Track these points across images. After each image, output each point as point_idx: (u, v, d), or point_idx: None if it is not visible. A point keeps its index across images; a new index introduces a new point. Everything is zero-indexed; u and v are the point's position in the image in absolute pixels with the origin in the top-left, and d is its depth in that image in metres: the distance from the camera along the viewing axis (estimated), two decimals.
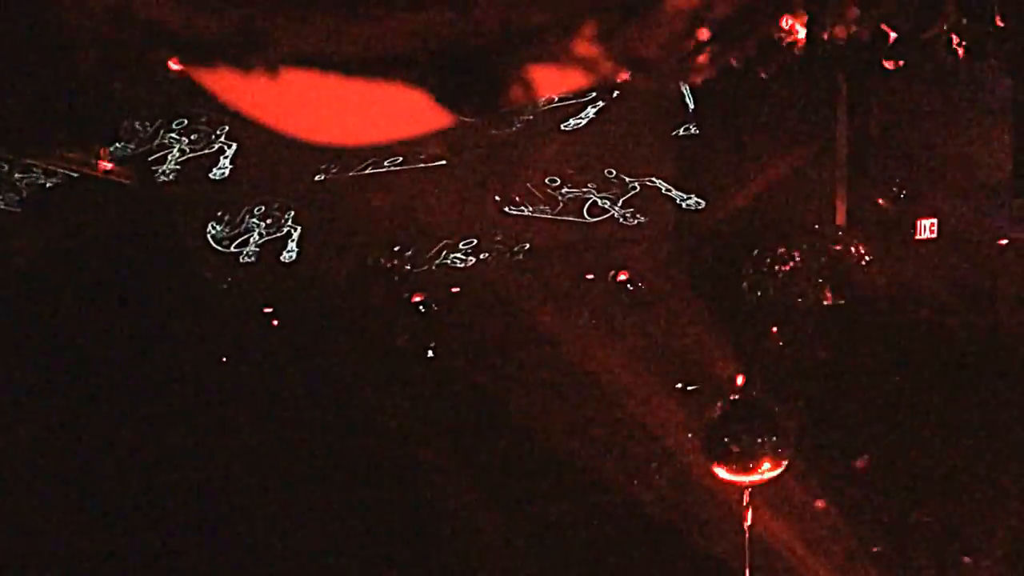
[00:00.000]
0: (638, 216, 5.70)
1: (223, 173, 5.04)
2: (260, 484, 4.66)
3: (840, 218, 5.47)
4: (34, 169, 4.90)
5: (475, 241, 5.57)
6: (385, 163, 5.44)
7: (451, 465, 4.72)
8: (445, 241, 5.52)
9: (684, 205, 5.70)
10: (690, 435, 4.66)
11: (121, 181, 4.97)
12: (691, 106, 5.64)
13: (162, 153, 5.16)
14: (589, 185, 5.65)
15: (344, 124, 1.65)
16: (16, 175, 4.89)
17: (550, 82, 1.42)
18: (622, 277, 5.45)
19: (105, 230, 4.84)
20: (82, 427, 4.54)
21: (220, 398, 5.01)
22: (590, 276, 5.49)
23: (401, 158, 5.32)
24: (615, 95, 5.37)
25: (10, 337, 4.55)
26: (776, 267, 5.07)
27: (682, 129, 5.69)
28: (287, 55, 1.23)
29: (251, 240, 5.32)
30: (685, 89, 5.49)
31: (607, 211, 5.67)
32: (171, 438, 4.73)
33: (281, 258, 5.16)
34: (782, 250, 5.06)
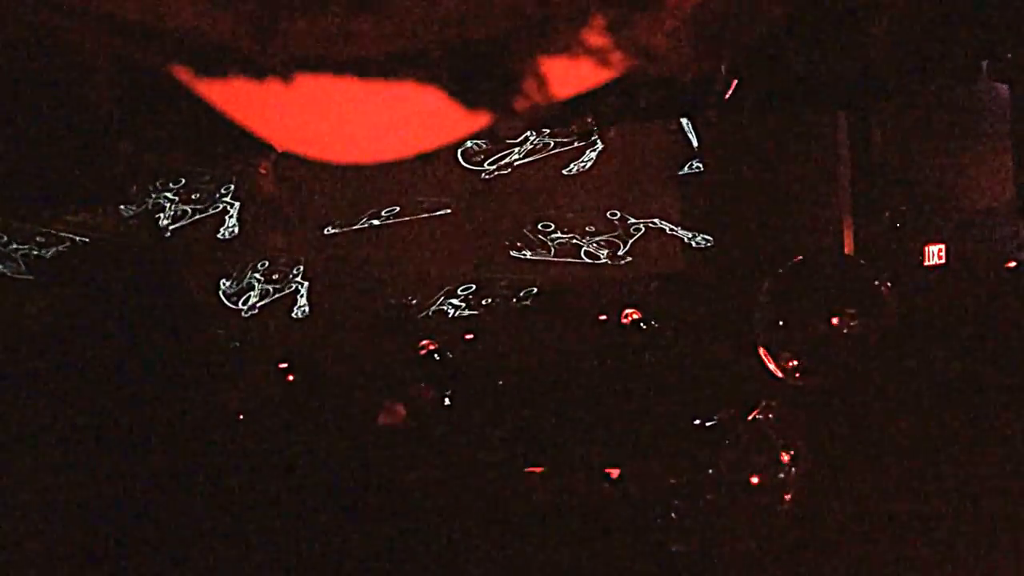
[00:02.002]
0: (645, 256, 5.71)
1: (231, 232, 5.08)
2: (276, 540, 4.62)
3: (848, 247, 5.48)
4: (43, 235, 4.94)
5: (484, 287, 5.59)
6: (389, 214, 5.48)
7: (470, 514, 4.69)
8: (452, 288, 5.53)
9: (692, 243, 5.72)
10: (708, 467, 4.63)
11: (130, 243, 5.01)
12: (695, 143, 5.68)
13: (169, 213, 5.20)
14: (593, 227, 5.68)
15: (361, 139, 1.66)
16: (26, 241, 4.92)
17: (563, 76, 1.42)
18: (634, 316, 5.44)
19: (116, 292, 4.87)
20: (97, 489, 4.52)
21: (237, 456, 4.98)
22: (603, 317, 5.48)
23: (398, 208, 5.36)
24: (616, 134, 5.43)
25: (25, 402, 4.55)
26: (790, 297, 5.06)
27: (687, 167, 5.73)
28: (297, 55, 1.23)
29: (260, 296, 5.34)
30: (687, 126, 5.54)
31: (614, 253, 5.68)
32: (188, 496, 4.70)
33: (293, 314, 5.16)
34: (795, 281, 5.05)
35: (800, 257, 4.58)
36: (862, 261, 5.76)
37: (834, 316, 5.20)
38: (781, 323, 5.19)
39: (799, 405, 4.88)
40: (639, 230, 5.69)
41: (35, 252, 4.88)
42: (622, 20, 1.20)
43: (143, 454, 4.74)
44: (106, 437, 4.65)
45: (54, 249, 4.89)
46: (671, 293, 5.50)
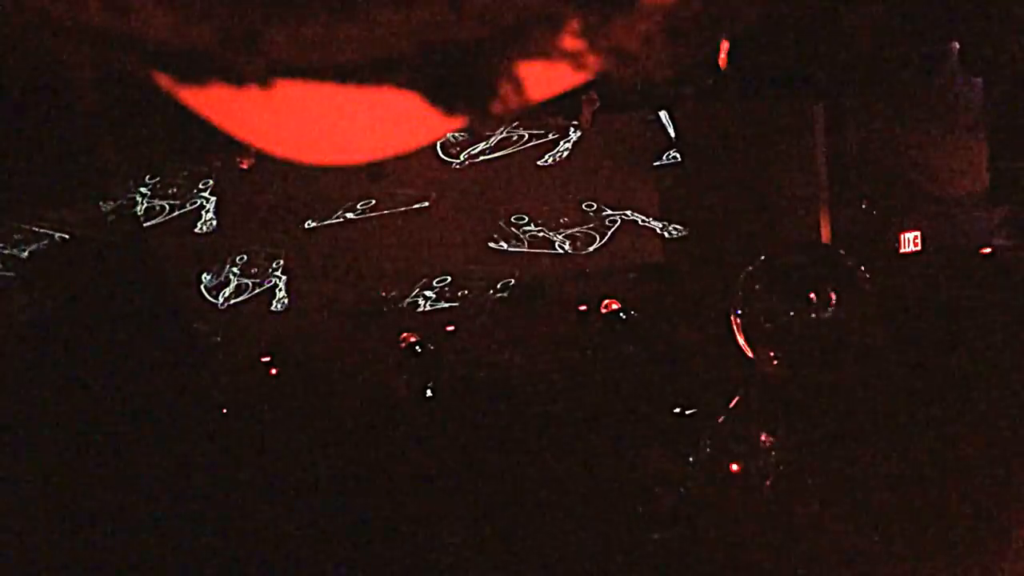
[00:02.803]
0: (622, 247, 5.74)
1: (209, 226, 5.08)
2: (261, 533, 4.63)
3: (825, 235, 5.53)
4: (22, 232, 4.92)
5: (462, 279, 5.60)
6: (367, 208, 5.48)
7: (454, 507, 4.71)
8: (430, 280, 5.54)
9: (667, 234, 5.75)
10: (691, 459, 4.67)
11: (110, 240, 5.00)
12: (672, 134, 5.71)
13: (146, 209, 5.19)
14: (568, 218, 5.70)
15: (339, 140, 1.68)
16: (4, 239, 4.90)
17: (539, 79, 1.45)
18: (613, 307, 5.46)
19: (97, 288, 4.86)
20: (82, 486, 4.51)
21: (222, 450, 4.98)
22: (582, 308, 5.51)
23: (374, 201, 5.36)
24: (592, 126, 5.44)
25: (7, 400, 4.54)
26: (769, 287, 5.11)
27: (664, 157, 5.76)
28: (277, 63, 1.25)
29: (239, 290, 5.34)
30: (665, 116, 5.57)
31: (589, 244, 5.71)
32: (174, 490, 4.70)
33: (272, 307, 5.17)
34: (774, 268, 5.10)
35: (776, 246, 4.64)
36: (839, 249, 5.83)
37: (810, 303, 5.27)
38: (757, 311, 5.25)
39: (777, 392, 4.94)
40: (615, 221, 5.72)
41: (13, 250, 4.86)
42: (597, 24, 1.22)
43: (126, 449, 4.74)
44: (89, 433, 4.65)
45: (33, 246, 4.87)
46: (648, 283, 5.53)
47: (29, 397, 4.56)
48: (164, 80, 1.21)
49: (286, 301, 5.38)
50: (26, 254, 4.86)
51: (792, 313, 5.08)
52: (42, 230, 4.89)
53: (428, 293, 5.58)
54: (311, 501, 4.89)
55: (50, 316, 4.76)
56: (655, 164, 5.81)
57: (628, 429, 5.13)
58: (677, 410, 5.07)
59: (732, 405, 4.75)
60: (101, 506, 4.49)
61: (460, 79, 1.25)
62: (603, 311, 5.36)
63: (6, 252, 4.82)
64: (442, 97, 1.28)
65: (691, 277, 5.50)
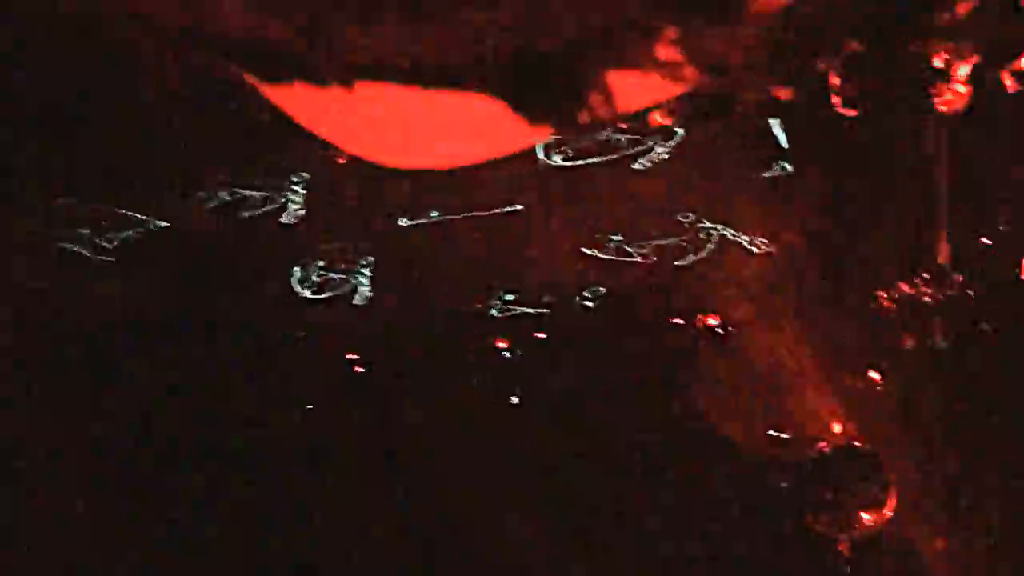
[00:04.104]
0: (721, 261, 5.54)
1: (298, 220, 5.10)
2: (343, 535, 4.65)
3: (943, 257, 5.25)
4: (121, 218, 5.03)
5: (552, 285, 5.49)
6: (461, 208, 5.43)
7: (537, 515, 4.65)
8: (520, 284, 5.45)
9: (764, 248, 5.52)
10: (783, 485, 4.50)
11: (204, 229, 5.07)
12: (784, 143, 5.47)
13: (241, 200, 5.25)
14: (665, 228, 5.51)
15: (419, 144, 1.60)
16: (103, 224, 5.01)
17: (630, 90, 1.33)
18: (710, 322, 5.30)
19: (189, 278, 4.94)
20: (165, 479, 4.60)
21: (305, 445, 5.02)
22: (678, 321, 5.36)
23: (477, 203, 5.30)
24: (696, 129, 5.25)
25: (97, 386, 4.65)
26: (880, 309, 4.90)
27: (774, 168, 5.52)
28: (357, 64, 1.18)
29: (326, 285, 5.36)
30: (777, 125, 5.35)
31: (685, 255, 5.53)
32: (257, 487, 4.75)
33: (355, 302, 5.17)
34: (883, 291, 4.89)
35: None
36: (957, 272, 5.56)
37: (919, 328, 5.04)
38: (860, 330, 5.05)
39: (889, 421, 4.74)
40: (712, 234, 5.52)
41: (107, 236, 4.97)
42: (695, 33, 1.08)
43: (211, 439, 4.81)
44: (172, 423, 4.74)
45: (127, 233, 4.97)
46: (750, 300, 5.34)
47: (115, 384, 4.66)
48: (248, 78, 1.14)
49: (372, 298, 5.37)
50: (122, 239, 4.97)
51: (903, 338, 4.82)
52: (137, 217, 4.99)
53: (517, 298, 5.50)
54: (392, 502, 4.90)
55: (140, 304, 4.86)
56: (763, 175, 5.60)
57: (718, 449, 4.99)
58: (773, 433, 4.91)
59: (834, 430, 4.56)
60: (183, 498, 4.56)
61: (546, 86, 1.13)
62: (698, 325, 5.21)
63: (100, 239, 4.93)
64: (527, 105, 1.16)
65: (796, 296, 5.29)
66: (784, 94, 3.77)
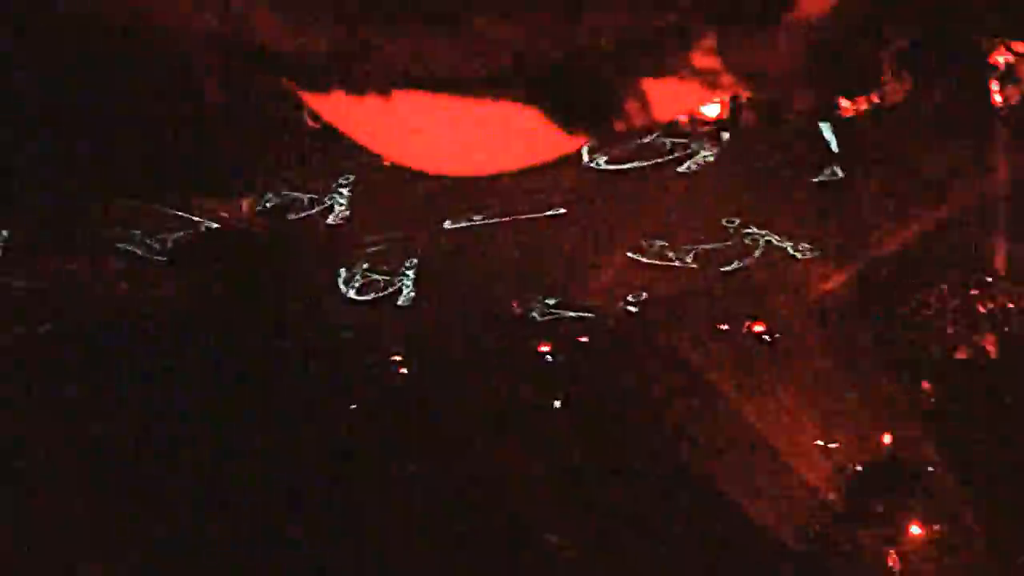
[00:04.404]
0: (766, 267, 5.48)
1: (344, 221, 5.16)
2: (384, 532, 4.67)
3: (999, 265, 5.13)
4: (175, 219, 5.13)
5: (596, 289, 5.48)
6: (505, 211, 5.44)
7: (576, 516, 4.64)
8: (564, 288, 5.45)
9: (810, 255, 5.44)
10: (831, 496, 4.44)
11: (254, 231, 5.15)
12: (835, 147, 5.38)
13: (289, 202, 5.32)
14: (709, 233, 5.46)
15: (456, 151, 1.61)
16: (161, 226, 5.13)
17: (667, 98, 1.33)
18: (757, 328, 5.25)
19: (240, 279, 5.02)
20: (212, 472, 4.66)
21: (351, 445, 5.06)
22: (723, 327, 5.31)
23: (520, 207, 5.31)
24: (744, 132, 5.19)
25: (148, 384, 4.74)
26: (932, 318, 4.81)
27: (824, 172, 5.43)
28: (396, 74, 1.20)
29: (371, 286, 5.41)
30: (827, 129, 5.27)
31: (729, 262, 5.47)
32: (302, 483, 4.80)
33: (399, 303, 5.21)
34: (938, 300, 4.79)
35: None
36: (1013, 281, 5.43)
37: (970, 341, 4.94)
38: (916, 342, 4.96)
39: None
40: (759, 239, 5.45)
41: (163, 236, 5.08)
42: (733, 41, 1.07)
43: (257, 435, 4.87)
44: (221, 421, 4.80)
45: (179, 234, 5.07)
46: (797, 306, 5.27)
47: (165, 382, 4.74)
48: (290, 86, 1.15)
49: (415, 300, 5.41)
50: (176, 239, 5.07)
51: (954, 348, 4.73)
52: (190, 218, 5.08)
53: (559, 302, 5.50)
54: (434, 500, 4.91)
55: (192, 303, 4.94)
56: (813, 180, 5.51)
57: (763, 456, 4.92)
58: (819, 442, 4.84)
59: (884, 441, 4.47)
60: (230, 497, 4.62)
61: (581, 95, 1.12)
62: (745, 332, 5.16)
63: (153, 239, 5.03)
64: (563, 113, 1.15)
65: (844, 304, 5.21)
66: (833, 98, 3.73)
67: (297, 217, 5.28)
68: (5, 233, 4.78)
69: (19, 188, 4.64)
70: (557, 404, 5.16)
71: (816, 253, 5.36)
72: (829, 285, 5.28)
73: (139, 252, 5.08)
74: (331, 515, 4.67)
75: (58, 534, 4.39)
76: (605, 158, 5.35)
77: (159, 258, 5.11)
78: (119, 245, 5.11)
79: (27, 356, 4.89)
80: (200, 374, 4.91)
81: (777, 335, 5.14)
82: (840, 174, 5.50)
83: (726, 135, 5.34)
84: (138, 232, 5.05)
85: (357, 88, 1.19)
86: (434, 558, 4.57)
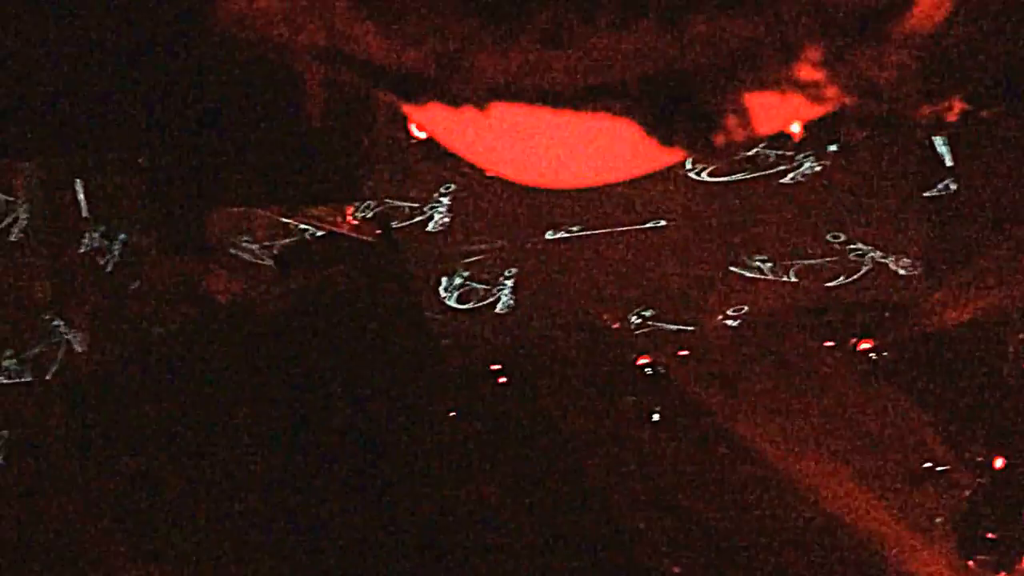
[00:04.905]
0: (872, 283, 5.31)
1: (445, 230, 5.22)
2: (483, 543, 4.69)
3: None
4: (280, 226, 5.27)
5: (696, 302, 5.40)
6: (606, 222, 5.42)
7: (675, 530, 4.59)
8: (664, 300, 5.39)
9: (922, 273, 5.25)
10: (939, 521, 4.29)
11: (363, 238, 5.25)
12: (948, 161, 5.20)
13: (391, 210, 5.41)
14: (815, 248, 5.32)
15: (554, 164, 1.61)
16: (268, 232, 5.27)
17: (769, 112, 1.30)
18: (864, 346, 5.10)
19: (346, 285, 5.11)
20: (313, 474, 4.75)
21: (448, 453, 5.10)
22: (829, 344, 5.18)
23: (621, 218, 5.28)
24: (851, 145, 5.05)
25: (247, 385, 4.86)
26: None
27: (938, 187, 5.25)
28: (492, 87, 1.20)
29: (471, 295, 5.45)
30: (940, 142, 5.10)
31: (833, 278, 5.32)
32: (398, 493, 4.85)
33: (498, 312, 5.23)
34: None
35: None
36: None
37: None
38: None
39: None
40: (866, 256, 5.28)
41: (272, 242, 5.22)
42: (840, 52, 1.05)
43: (360, 442, 4.96)
44: (320, 428, 4.91)
45: (286, 241, 5.20)
46: (907, 325, 5.10)
47: (267, 387, 4.86)
48: (389, 98, 1.17)
49: (514, 309, 5.43)
50: (281, 245, 5.20)
51: None
52: (296, 225, 5.21)
53: (658, 314, 5.44)
54: (533, 510, 4.91)
55: (297, 308, 5.06)
56: (924, 195, 5.33)
57: (868, 478, 4.79)
58: (928, 465, 4.68)
59: (996, 465, 4.30)
60: (328, 493, 4.71)
61: (680, 109, 1.11)
62: (850, 349, 5.02)
63: (260, 245, 5.17)
64: (660, 127, 1.14)
65: (955, 324, 5.02)
66: (947, 111, 3.60)
67: (399, 225, 5.36)
68: (123, 236, 4.99)
69: (138, 194, 4.85)
70: (656, 417, 5.12)
71: (925, 271, 5.19)
72: (938, 304, 5.09)
73: (248, 257, 5.24)
74: (429, 524, 4.72)
75: (172, 533, 4.55)
76: (708, 170, 5.28)
77: (266, 263, 5.25)
78: (230, 250, 5.28)
79: (141, 357, 5.08)
80: (302, 379, 5.04)
81: (884, 353, 5.00)
82: (953, 189, 5.31)
83: (832, 148, 5.21)
84: (247, 238, 5.21)
85: (455, 101, 1.20)
86: (530, 558, 4.58)
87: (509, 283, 5.52)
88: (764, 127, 1.25)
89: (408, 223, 5.43)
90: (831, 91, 1.17)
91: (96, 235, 4.96)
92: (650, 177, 5.53)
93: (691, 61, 1.14)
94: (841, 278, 5.26)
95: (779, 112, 1.23)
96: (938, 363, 4.85)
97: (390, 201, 5.42)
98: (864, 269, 5.27)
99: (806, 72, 1.15)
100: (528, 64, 1.14)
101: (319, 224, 5.28)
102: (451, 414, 5.26)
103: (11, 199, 4.89)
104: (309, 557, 4.55)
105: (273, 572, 4.51)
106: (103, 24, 2.87)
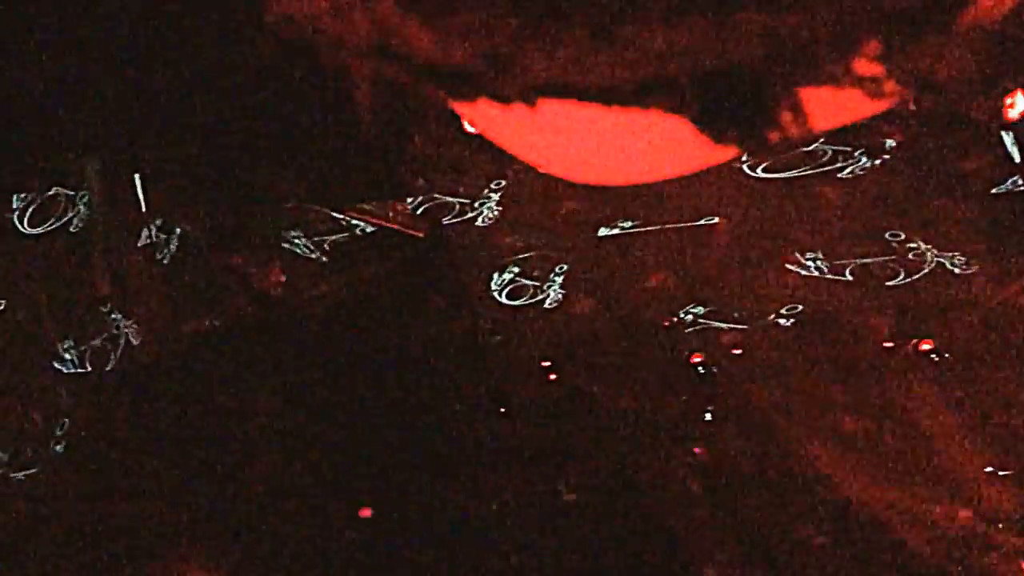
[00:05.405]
0: (932, 284, 5.19)
1: (496, 225, 5.22)
2: (529, 542, 4.69)
3: None
4: (332, 221, 5.31)
5: (750, 300, 5.33)
6: (658, 219, 5.36)
7: (724, 530, 4.53)
8: (717, 298, 5.32)
9: (985, 272, 5.11)
10: (1001, 526, 4.19)
11: (413, 234, 5.27)
12: (1017, 157, 5.04)
13: (440, 206, 5.42)
14: (872, 247, 5.21)
15: (603, 161, 1.59)
16: (317, 226, 5.31)
17: (825, 108, 1.27)
18: (925, 347, 5.00)
19: (395, 280, 5.15)
20: (361, 471, 4.79)
21: (497, 449, 5.11)
22: (888, 344, 5.08)
23: (673, 215, 5.23)
24: (911, 141, 4.93)
25: (298, 377, 4.92)
26: None
27: (1005, 184, 5.09)
28: (541, 83, 1.19)
29: (521, 291, 5.44)
30: (1010, 138, 4.95)
31: (892, 277, 5.20)
32: (443, 488, 4.87)
33: (547, 307, 5.22)
34: None
35: None
36: None
37: None
38: None
39: None
40: (926, 254, 5.15)
41: (323, 237, 5.26)
42: (900, 46, 1.01)
43: (411, 434, 4.98)
44: (375, 413, 4.94)
45: (337, 236, 5.24)
46: (966, 326, 4.99)
47: (320, 380, 4.90)
48: (439, 94, 1.16)
49: (564, 305, 5.41)
50: (333, 240, 5.24)
51: None
52: (348, 220, 5.24)
53: (710, 312, 5.38)
54: (582, 506, 4.90)
55: (348, 303, 5.10)
56: (990, 192, 5.18)
57: (929, 481, 4.69)
58: (989, 469, 4.57)
59: None
60: (381, 484, 4.74)
61: (733, 105, 1.08)
62: (911, 350, 4.92)
63: (313, 240, 5.22)
64: (712, 124, 1.11)
65: (1019, 323, 4.89)
66: (1009, 107, 3.50)
67: (450, 221, 5.37)
68: (179, 230, 5.06)
69: (195, 188, 4.92)
70: (708, 416, 5.07)
71: (989, 270, 5.05)
72: (1003, 303, 4.96)
73: (300, 252, 5.29)
74: (479, 517, 4.72)
75: (228, 519, 4.61)
76: (763, 167, 5.20)
77: (318, 258, 5.30)
78: (283, 245, 5.33)
79: (195, 349, 5.16)
80: (352, 373, 5.07)
81: (946, 355, 4.89)
82: (1022, 185, 5.16)
83: (891, 143, 5.10)
84: (300, 233, 5.26)
85: (501, 97, 1.19)
86: (580, 557, 4.57)
87: (559, 279, 5.50)
88: (820, 123, 1.21)
89: (458, 219, 5.43)
90: (889, 86, 1.14)
91: (154, 229, 5.04)
92: (703, 173, 5.47)
93: (744, 56, 1.11)
94: (900, 277, 5.14)
95: (836, 108, 1.20)
96: (1001, 364, 4.73)
97: (440, 197, 5.44)
98: (926, 268, 5.15)
99: (864, 66, 1.11)
100: (577, 60, 1.12)
101: (370, 220, 5.32)
102: (501, 409, 5.27)
103: (72, 193, 4.98)
104: (359, 547, 4.59)
105: (325, 557, 4.55)
106: (162, 24, 2.92)
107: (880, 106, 1.16)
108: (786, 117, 1.17)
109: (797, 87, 1.15)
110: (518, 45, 1.11)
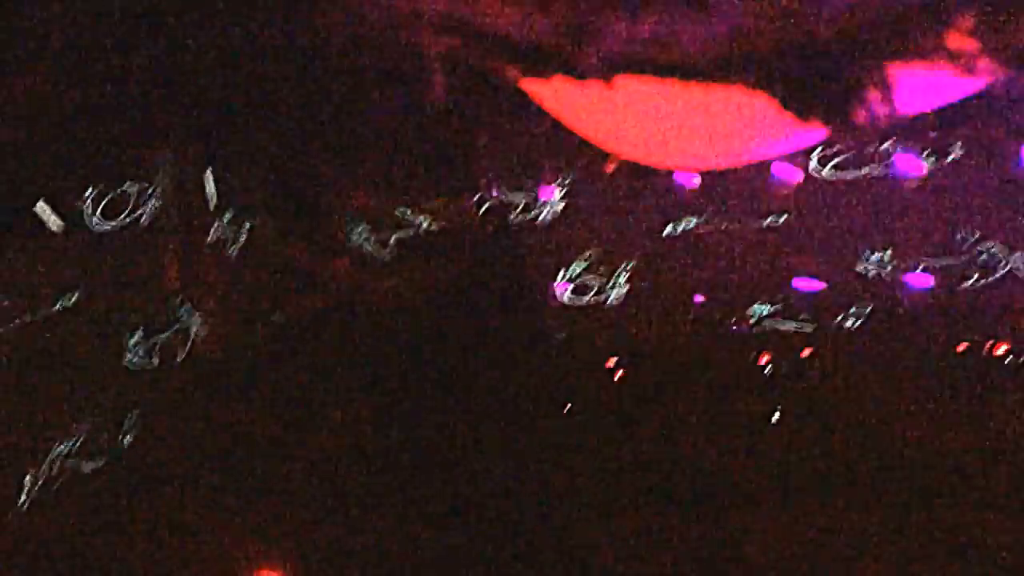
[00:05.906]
0: (1014, 285, 5.05)
1: (559, 223, 5.20)
2: (593, 543, 4.69)
3: None
4: (396, 218, 5.33)
5: (819, 301, 5.24)
6: (724, 217, 5.31)
7: (790, 536, 4.49)
8: (786, 298, 5.24)
9: None
10: None
11: (475, 231, 5.28)
12: None
13: (504, 204, 5.42)
14: (943, 248, 5.08)
15: (682, 144, 1.57)
16: (381, 224, 5.34)
17: (916, 87, 1.23)
18: (1001, 350, 4.88)
19: (460, 279, 5.15)
20: (427, 476, 4.81)
21: (563, 448, 5.11)
22: (961, 348, 4.96)
23: (740, 212, 5.16)
24: (989, 132, 4.80)
25: (364, 375, 4.94)
26: None
27: None
28: (620, 58, 1.17)
29: (586, 289, 5.43)
30: None
31: (962, 280, 5.08)
32: (511, 488, 4.87)
33: (613, 305, 5.19)
34: None
35: None
36: None
37: None
38: None
39: None
40: (1001, 257, 5.01)
41: (386, 234, 5.28)
42: (997, 21, 0.98)
43: (474, 439, 4.98)
44: (437, 417, 4.94)
45: (401, 233, 5.26)
46: None
47: (385, 378, 4.93)
48: (512, 72, 1.16)
49: (630, 304, 5.38)
50: (397, 238, 5.26)
51: None
52: (413, 218, 5.26)
53: (778, 311, 5.30)
54: (647, 511, 4.86)
55: (412, 301, 5.12)
56: None
57: (1003, 487, 4.59)
58: None
59: None
60: (443, 495, 4.74)
61: (820, 80, 1.05)
62: (985, 354, 4.80)
63: (377, 237, 5.25)
64: (797, 101, 1.09)
65: None
66: None
67: (516, 218, 5.37)
68: (248, 225, 5.13)
69: (264, 183, 4.99)
70: (775, 418, 5.01)
71: None
72: None
73: (365, 248, 5.33)
74: (545, 519, 4.72)
75: (290, 516, 4.67)
76: (832, 164, 5.12)
77: (383, 255, 5.33)
78: (348, 241, 5.37)
79: (263, 345, 5.23)
80: (419, 371, 5.09)
81: (1022, 359, 4.76)
82: None
83: (959, 144, 4.97)
84: (365, 229, 5.29)
85: (579, 72, 1.18)
86: (641, 563, 4.55)
87: (624, 277, 5.48)
88: (908, 104, 1.18)
89: (524, 216, 5.44)
90: (983, 63, 1.10)
91: (224, 222, 5.11)
92: (770, 175, 5.42)
93: (832, 29, 1.08)
94: (974, 279, 5.01)
95: (927, 87, 1.16)
96: None
97: (506, 194, 5.44)
98: (1001, 271, 5.01)
99: (957, 41, 1.08)
100: (659, 33, 1.11)
101: (435, 217, 5.34)
102: (566, 408, 5.26)
103: (146, 185, 5.07)
104: (423, 547, 4.61)
105: (396, 556, 4.58)
106: (231, 14, 2.96)
107: (973, 86, 1.12)
108: (874, 94, 1.14)
109: (886, 63, 1.11)
110: (601, 16, 1.10)
